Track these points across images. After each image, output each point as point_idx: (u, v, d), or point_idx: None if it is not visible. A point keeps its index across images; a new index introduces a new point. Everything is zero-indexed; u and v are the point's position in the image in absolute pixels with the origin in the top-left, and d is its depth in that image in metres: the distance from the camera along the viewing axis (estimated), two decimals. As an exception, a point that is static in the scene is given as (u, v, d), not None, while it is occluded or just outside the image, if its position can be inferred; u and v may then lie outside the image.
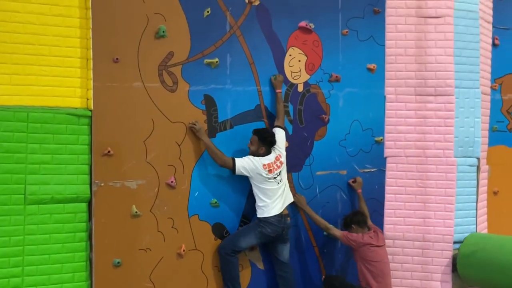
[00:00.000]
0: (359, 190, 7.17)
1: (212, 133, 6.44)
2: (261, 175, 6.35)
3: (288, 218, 6.55)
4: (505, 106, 8.22)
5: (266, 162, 6.39)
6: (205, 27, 6.39)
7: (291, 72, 6.92)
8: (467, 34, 7.12)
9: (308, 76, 7.02)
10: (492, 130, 7.92)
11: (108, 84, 5.92)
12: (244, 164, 6.34)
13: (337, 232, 6.77)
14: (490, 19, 7.64)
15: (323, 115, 7.09)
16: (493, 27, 7.82)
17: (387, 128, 7.20)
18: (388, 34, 7.18)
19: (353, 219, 6.78)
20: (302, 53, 6.98)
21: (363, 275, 6.63)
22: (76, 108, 5.82)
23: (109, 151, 5.92)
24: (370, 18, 7.25)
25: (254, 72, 6.71)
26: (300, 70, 6.97)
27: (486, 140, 7.36)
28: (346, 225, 6.83)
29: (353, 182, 7.20)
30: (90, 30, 5.80)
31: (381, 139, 7.30)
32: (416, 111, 7.14)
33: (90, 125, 5.87)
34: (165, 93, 6.22)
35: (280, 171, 6.48)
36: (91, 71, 5.83)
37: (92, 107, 5.85)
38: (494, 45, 7.94)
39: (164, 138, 6.21)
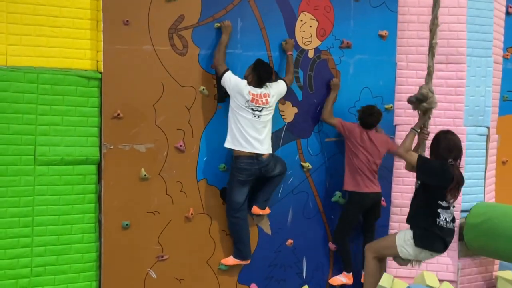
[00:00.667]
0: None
1: (221, 98, 6.42)
2: (242, 95, 6.17)
3: (264, 156, 6.35)
4: (517, 73, 8.17)
5: (252, 91, 6.25)
6: (216, -10, 6.34)
7: (302, 37, 6.87)
8: (480, 1, 7.05)
9: (319, 42, 6.97)
10: (503, 99, 7.87)
11: (118, 46, 5.91)
12: (231, 77, 6.19)
13: (334, 120, 6.81)
14: (505, -13, 7.56)
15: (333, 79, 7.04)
16: (507, -5, 7.75)
17: (397, 96, 7.19)
18: (401, 1, 7.11)
19: (368, 119, 6.75)
20: (314, 18, 6.92)
21: (346, 162, 6.79)
22: (86, 70, 5.82)
23: (118, 114, 5.93)
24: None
25: (265, 37, 6.66)
26: (311, 36, 6.92)
27: (497, 109, 7.34)
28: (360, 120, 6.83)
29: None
30: (101, -8, 5.78)
31: (391, 107, 7.27)
32: (427, 78, 7.09)
33: (100, 87, 5.87)
34: (175, 56, 6.19)
35: (262, 108, 6.29)
36: (101, 33, 5.81)
37: (102, 70, 5.85)
38: (507, 13, 7.84)
39: (174, 102, 6.21)
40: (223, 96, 6.38)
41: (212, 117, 6.41)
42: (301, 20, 6.85)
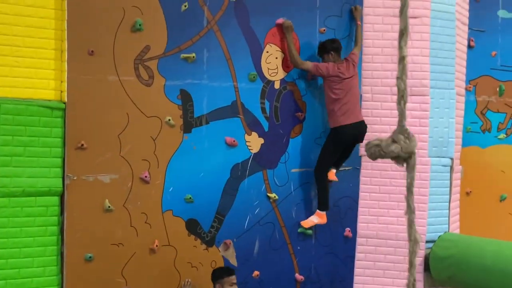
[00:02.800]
0: (358, 22, 7.22)
1: (187, 128, 6.41)
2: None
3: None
4: (479, 107, 8.30)
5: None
6: (183, 22, 6.35)
7: (268, 69, 6.91)
8: (443, 35, 7.16)
9: (285, 74, 7.02)
10: (466, 131, 7.99)
11: (82, 76, 5.87)
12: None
13: (308, 64, 6.84)
14: (466, 21, 7.70)
15: (299, 113, 7.09)
16: (469, 29, 7.88)
17: (361, 127, 7.22)
18: (365, 34, 7.20)
19: (330, 45, 6.90)
20: (280, 50, 6.97)
21: (328, 100, 6.86)
22: (50, 100, 5.76)
23: (82, 145, 5.86)
24: (348, 17, 7.27)
25: (231, 68, 6.69)
26: (277, 67, 6.96)
27: (460, 140, 7.42)
28: (322, 50, 6.94)
29: (355, 9, 7.27)
30: (65, 22, 5.74)
31: (356, 138, 7.31)
32: (392, 110, 7.15)
33: (63, 117, 5.81)
34: (140, 87, 6.17)
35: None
36: (66, 63, 5.77)
37: (66, 100, 5.79)
38: (469, 46, 8.00)
39: (139, 132, 6.17)
40: (191, 127, 6.38)
41: (178, 147, 6.38)
42: (267, 52, 6.90)
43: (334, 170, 7.05)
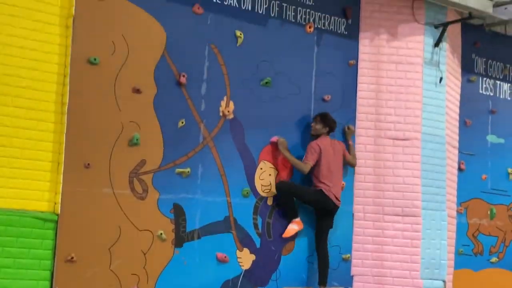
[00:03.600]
0: (350, 142, 7.42)
1: (179, 242, 6.38)
2: None
3: None
4: (471, 229, 8.32)
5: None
6: (179, 137, 6.47)
7: (261, 185, 6.97)
8: (434, 157, 7.33)
9: (278, 190, 7.07)
10: (458, 253, 7.97)
11: (77, 189, 5.89)
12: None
13: (309, 164, 6.97)
14: (456, 144, 7.91)
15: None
16: (459, 152, 8.07)
17: (354, 246, 7.24)
18: (358, 154, 7.36)
19: (332, 125, 7.15)
20: (273, 167, 7.06)
21: (315, 169, 7.02)
22: (43, 212, 5.75)
23: (72, 257, 5.80)
24: (341, 137, 7.42)
25: (225, 184, 6.75)
26: (270, 184, 7.03)
27: (452, 263, 7.40)
28: (323, 120, 7.13)
29: (347, 128, 7.43)
30: (64, 135, 5.83)
31: (349, 257, 7.29)
32: (384, 230, 7.21)
33: (55, 229, 5.78)
34: (134, 200, 6.19)
35: None
36: (61, 175, 5.81)
37: (59, 211, 5.79)
38: (460, 169, 8.14)
39: (130, 246, 6.12)
40: (183, 241, 6.35)
41: (168, 262, 6.31)
42: (261, 168, 6.98)
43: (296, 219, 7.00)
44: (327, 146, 7.06)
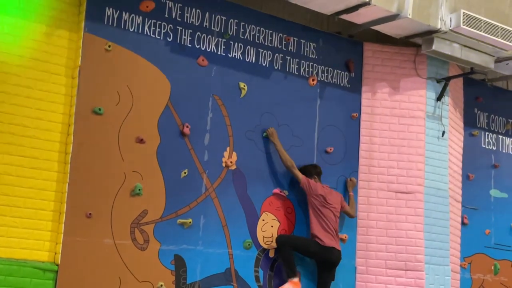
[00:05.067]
0: (351, 193, 7.37)
1: (182, 293, 6.32)
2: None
3: None
4: (475, 285, 8.21)
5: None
6: (181, 188, 6.47)
7: (263, 237, 6.93)
8: (437, 211, 7.30)
9: (280, 242, 7.02)
10: (463, 309, 7.88)
11: (78, 239, 5.86)
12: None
13: (300, 174, 6.96)
14: (459, 198, 7.88)
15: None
16: (462, 206, 8.05)
17: (357, 302, 7.15)
18: (360, 206, 7.34)
19: (314, 170, 7.10)
20: (275, 218, 7.03)
21: (312, 220, 6.92)
22: (43, 262, 5.71)
23: (71, 309, 5.74)
24: (342, 190, 7.40)
25: (227, 235, 6.71)
26: (272, 236, 6.98)
27: (457, 320, 7.30)
28: (306, 174, 7.05)
29: (350, 180, 7.43)
30: (67, 184, 5.84)
31: (352, 314, 7.21)
32: (387, 284, 7.14)
33: (55, 279, 5.73)
34: (135, 251, 6.15)
35: None
36: (63, 225, 5.79)
37: (59, 262, 5.74)
38: (463, 223, 8.10)
39: (130, 298, 6.06)
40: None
41: (169, 314, 6.25)
42: (263, 220, 6.96)
43: (295, 280, 6.80)
44: (324, 192, 7.01)
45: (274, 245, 6.94)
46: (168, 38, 6.54)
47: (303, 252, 6.98)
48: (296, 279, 6.79)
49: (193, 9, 6.72)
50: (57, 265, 5.75)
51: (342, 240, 7.31)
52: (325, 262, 6.95)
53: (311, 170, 7.11)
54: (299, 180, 6.99)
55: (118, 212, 6.09)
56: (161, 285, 6.22)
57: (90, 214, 5.93)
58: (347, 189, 7.43)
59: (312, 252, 6.95)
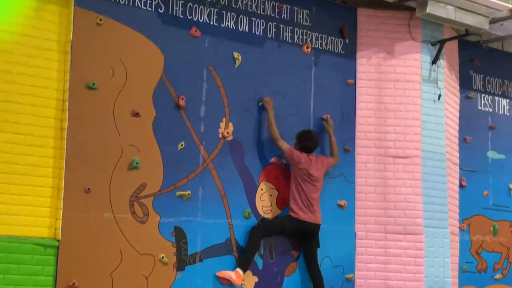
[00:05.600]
0: (333, 138, 7.23)
1: (181, 266, 6.34)
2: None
3: None
4: (474, 246, 8.28)
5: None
6: (179, 160, 6.46)
7: (263, 206, 6.96)
8: (434, 174, 7.31)
9: (279, 211, 7.05)
10: (462, 270, 7.92)
11: (78, 214, 5.87)
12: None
13: (284, 145, 6.85)
14: (457, 161, 7.89)
15: (293, 251, 7.05)
16: (460, 169, 8.06)
17: (357, 265, 7.20)
18: (358, 172, 7.35)
19: (304, 144, 6.91)
20: (274, 187, 7.05)
21: (292, 191, 6.83)
22: (44, 238, 5.73)
23: (74, 283, 5.76)
24: (341, 156, 7.40)
25: (226, 205, 6.73)
26: (271, 205, 7.01)
27: (456, 280, 7.36)
28: (299, 141, 6.96)
29: (326, 120, 7.28)
30: (64, 160, 5.83)
31: (352, 277, 7.25)
32: (386, 249, 7.18)
33: (56, 255, 5.75)
34: (135, 224, 6.17)
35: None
36: (62, 201, 5.80)
37: (59, 237, 5.76)
38: (461, 186, 8.13)
39: (132, 271, 6.08)
40: (184, 265, 6.32)
41: (170, 286, 6.28)
42: (262, 189, 6.97)
43: (241, 273, 6.62)
44: (307, 164, 6.88)
45: (274, 213, 6.97)
46: (159, 9, 6.48)
47: (280, 232, 6.90)
48: (242, 273, 6.60)
49: (184, -20, 6.66)
50: (58, 240, 5.77)
51: (341, 206, 7.34)
52: (304, 234, 6.89)
53: (303, 142, 6.95)
54: (282, 151, 6.90)
55: (117, 186, 6.09)
56: (163, 257, 6.26)
57: (88, 189, 5.93)
58: (328, 132, 7.26)
59: (288, 229, 6.86)
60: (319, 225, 6.93)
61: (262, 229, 6.82)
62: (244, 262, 6.64)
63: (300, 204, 6.82)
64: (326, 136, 7.32)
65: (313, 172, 6.88)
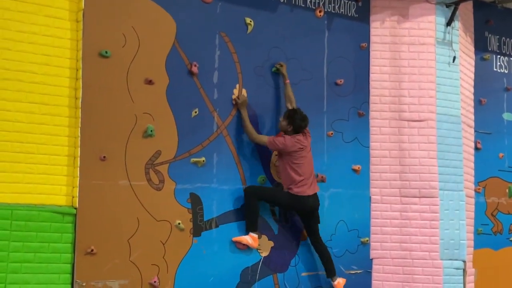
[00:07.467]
0: (287, 81, 6.92)
1: (197, 232, 6.40)
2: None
3: None
4: (489, 209, 8.27)
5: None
6: (193, 127, 6.48)
7: (277, 171, 6.97)
8: (449, 137, 7.28)
9: (294, 176, 7.06)
10: (477, 233, 7.94)
11: (94, 182, 5.92)
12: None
13: (264, 138, 6.66)
14: (472, 123, 7.85)
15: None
16: (475, 131, 8.01)
17: (372, 229, 7.23)
18: (373, 137, 7.33)
19: (298, 125, 6.68)
20: (288, 153, 7.04)
21: (286, 172, 6.64)
22: (61, 206, 5.79)
23: (92, 250, 5.84)
24: (355, 121, 7.39)
25: (240, 172, 6.75)
26: (286, 170, 7.01)
27: (472, 243, 7.38)
28: (290, 119, 6.68)
29: (280, 66, 6.95)
30: (79, 129, 5.87)
31: (367, 240, 7.29)
32: (401, 212, 7.19)
33: (74, 223, 5.82)
34: (151, 191, 6.22)
35: None
36: (78, 169, 5.84)
37: (77, 205, 5.83)
38: (476, 148, 8.09)
39: (149, 237, 6.15)
40: (200, 230, 6.37)
41: (187, 252, 6.34)
42: (276, 155, 6.97)
43: (255, 235, 6.63)
44: (298, 145, 6.68)
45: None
46: (170, -25, 6.44)
47: (274, 203, 6.81)
48: (256, 235, 6.62)
49: None
50: (75, 208, 5.83)
51: (355, 171, 7.34)
52: (302, 211, 6.79)
53: (296, 122, 6.69)
54: (266, 145, 6.69)
55: (132, 153, 6.13)
56: (179, 223, 6.31)
57: (104, 157, 5.97)
58: (282, 75, 6.95)
59: (284, 204, 6.77)
60: (319, 203, 6.84)
61: (258, 191, 6.68)
62: (251, 225, 6.61)
63: (298, 183, 6.64)
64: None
65: (305, 148, 6.70)
